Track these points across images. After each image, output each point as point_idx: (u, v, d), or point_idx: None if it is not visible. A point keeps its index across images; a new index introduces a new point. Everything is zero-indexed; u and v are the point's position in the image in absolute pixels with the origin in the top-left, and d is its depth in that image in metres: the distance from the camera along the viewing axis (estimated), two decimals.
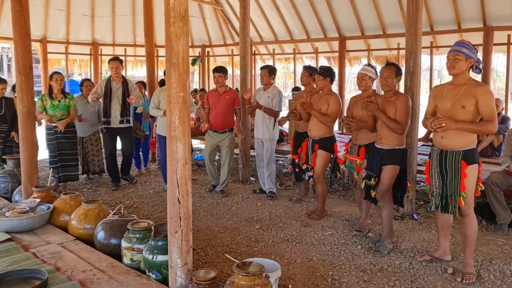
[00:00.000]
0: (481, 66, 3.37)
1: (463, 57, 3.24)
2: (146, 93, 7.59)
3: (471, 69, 3.32)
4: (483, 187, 3.52)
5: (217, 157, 6.73)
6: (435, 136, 3.46)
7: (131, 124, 6.10)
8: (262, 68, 5.89)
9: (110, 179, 6.37)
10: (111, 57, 6.24)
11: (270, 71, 5.79)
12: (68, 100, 5.70)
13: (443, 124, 3.20)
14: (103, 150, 6.33)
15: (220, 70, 5.76)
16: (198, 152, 8.71)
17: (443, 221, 3.63)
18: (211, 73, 9.31)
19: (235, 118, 6.03)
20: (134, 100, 5.77)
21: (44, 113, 5.55)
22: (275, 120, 5.79)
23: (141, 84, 7.39)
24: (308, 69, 5.35)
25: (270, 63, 10.16)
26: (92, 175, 6.75)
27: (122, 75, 6.05)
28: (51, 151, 5.67)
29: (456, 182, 3.34)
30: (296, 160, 5.25)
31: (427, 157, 5.59)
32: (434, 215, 3.85)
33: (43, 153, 5.94)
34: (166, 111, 5.80)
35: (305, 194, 5.54)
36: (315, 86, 5.12)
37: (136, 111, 6.68)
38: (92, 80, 10.00)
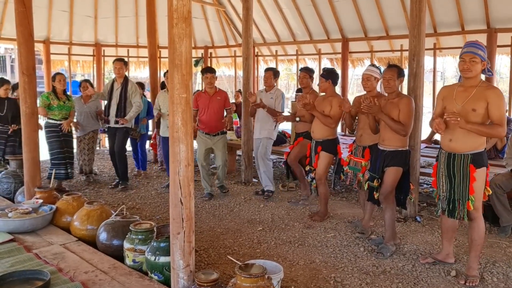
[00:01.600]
0: (490, 68, 3.29)
1: (479, 60, 3.15)
2: (148, 94, 7.59)
3: (482, 72, 3.24)
4: (490, 192, 3.48)
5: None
6: (443, 139, 3.39)
7: (127, 125, 6.14)
8: (267, 70, 5.91)
9: (105, 180, 6.63)
10: (115, 58, 6.34)
11: (274, 74, 5.84)
12: (71, 102, 5.98)
13: (458, 119, 3.11)
14: (108, 148, 6.46)
15: (213, 71, 5.76)
16: None
17: (448, 224, 3.58)
18: None
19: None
20: (123, 122, 5.91)
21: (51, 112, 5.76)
22: (276, 121, 5.81)
23: (139, 85, 7.39)
24: (307, 71, 5.36)
25: (272, 64, 10.15)
26: (82, 175, 6.73)
27: (126, 77, 6.12)
28: (58, 148, 5.82)
29: (464, 186, 3.28)
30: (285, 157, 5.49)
31: (430, 159, 5.63)
32: (439, 218, 3.84)
33: (45, 154, 5.98)
34: (163, 114, 5.99)
35: (306, 192, 5.54)
36: (316, 88, 5.14)
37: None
38: (95, 81, 10.04)
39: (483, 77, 3.36)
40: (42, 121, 6.24)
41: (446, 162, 3.37)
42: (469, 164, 3.25)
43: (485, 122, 3.21)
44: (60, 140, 5.85)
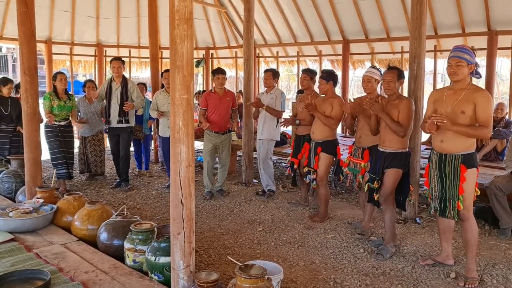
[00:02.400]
0: (479, 70, 3.36)
1: (465, 63, 3.24)
2: (149, 94, 7.61)
3: (471, 74, 3.32)
4: (479, 192, 3.51)
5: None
6: (435, 139, 3.47)
7: (131, 125, 6.15)
8: (266, 71, 5.96)
9: (106, 180, 6.58)
10: (112, 57, 6.30)
11: (274, 74, 5.85)
12: (72, 101, 5.89)
13: (445, 121, 3.21)
14: (110, 149, 6.42)
15: (224, 72, 5.84)
16: (200, 154, 8.72)
17: (444, 225, 3.62)
18: None
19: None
20: (129, 108, 5.86)
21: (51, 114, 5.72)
22: (277, 121, 5.82)
23: (143, 85, 7.41)
24: (308, 73, 5.37)
25: (273, 65, 10.17)
26: (94, 176, 6.78)
27: (124, 76, 6.09)
28: (56, 148, 5.80)
29: (455, 185, 3.35)
30: (295, 165, 5.31)
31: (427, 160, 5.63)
32: (436, 219, 3.85)
33: (47, 154, 6.00)
34: (165, 112, 5.92)
35: (305, 199, 5.52)
36: (317, 90, 5.15)
37: (136, 113, 6.74)
38: (97, 81, 10.06)
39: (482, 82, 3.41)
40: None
41: (438, 163, 3.44)
42: (460, 164, 3.32)
43: (474, 124, 3.28)
44: (59, 141, 5.80)
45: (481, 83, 7.19)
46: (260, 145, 5.91)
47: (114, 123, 6.01)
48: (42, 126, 5.81)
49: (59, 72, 6.02)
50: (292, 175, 5.51)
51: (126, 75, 10.33)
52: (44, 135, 5.78)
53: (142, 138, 7.12)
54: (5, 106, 6.00)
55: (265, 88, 5.94)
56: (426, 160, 5.56)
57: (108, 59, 10.35)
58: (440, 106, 3.40)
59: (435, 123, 3.28)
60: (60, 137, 5.81)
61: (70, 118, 5.94)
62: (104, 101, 6.05)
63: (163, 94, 6.06)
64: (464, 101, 3.27)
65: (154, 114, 6.06)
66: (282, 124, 5.65)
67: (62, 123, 5.82)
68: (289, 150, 6.74)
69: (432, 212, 3.62)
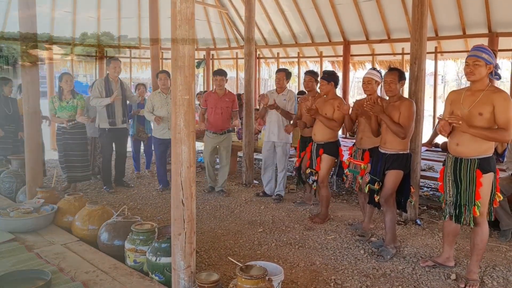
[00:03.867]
0: (499, 72, 3.26)
1: (483, 63, 3.14)
2: (150, 94, 7.62)
3: (490, 75, 3.22)
4: (502, 198, 3.41)
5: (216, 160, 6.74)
6: (450, 143, 3.37)
7: (126, 125, 6.15)
8: (279, 71, 5.85)
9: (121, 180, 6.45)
10: (110, 57, 6.25)
11: (287, 75, 5.75)
12: (76, 101, 5.73)
13: (460, 122, 3.10)
14: (102, 153, 6.25)
15: (223, 73, 5.85)
16: (201, 155, 8.73)
17: (451, 228, 3.57)
18: None
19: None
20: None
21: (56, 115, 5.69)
22: (290, 123, 5.81)
23: (143, 86, 7.41)
24: (311, 74, 5.36)
25: (274, 66, 10.19)
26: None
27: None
28: (60, 151, 5.77)
29: (471, 191, 3.25)
30: (297, 164, 5.32)
31: (431, 162, 5.64)
32: (440, 221, 3.84)
33: (49, 153, 5.97)
34: (164, 118, 5.73)
35: (309, 197, 5.54)
36: (318, 91, 5.14)
37: (139, 113, 6.73)
38: None
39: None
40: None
41: (453, 167, 3.34)
42: (476, 169, 3.22)
43: (492, 126, 3.16)
44: (60, 144, 5.71)
45: None
46: (270, 147, 5.81)
47: (119, 124, 5.95)
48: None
49: (65, 73, 5.93)
50: (297, 175, 5.49)
51: (127, 75, 10.42)
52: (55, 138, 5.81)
53: (145, 140, 7.08)
54: (7, 106, 5.99)
55: (275, 88, 5.85)
56: (427, 162, 5.61)
57: None
58: (457, 108, 3.29)
59: (450, 124, 3.17)
60: (63, 139, 5.68)
61: (76, 119, 5.74)
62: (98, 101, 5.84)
63: (160, 95, 5.93)
64: (482, 103, 3.15)
65: (150, 118, 5.91)
66: (285, 129, 5.55)
67: (64, 125, 5.67)
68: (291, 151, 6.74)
69: (447, 218, 3.49)
